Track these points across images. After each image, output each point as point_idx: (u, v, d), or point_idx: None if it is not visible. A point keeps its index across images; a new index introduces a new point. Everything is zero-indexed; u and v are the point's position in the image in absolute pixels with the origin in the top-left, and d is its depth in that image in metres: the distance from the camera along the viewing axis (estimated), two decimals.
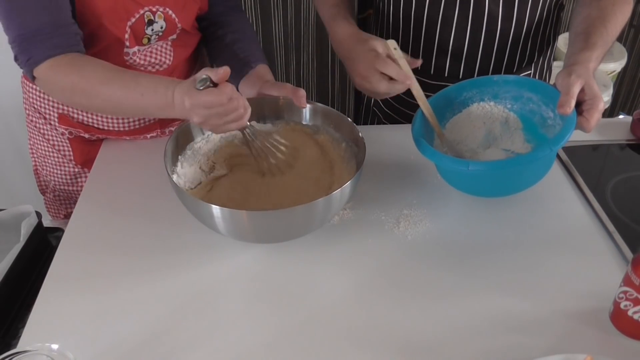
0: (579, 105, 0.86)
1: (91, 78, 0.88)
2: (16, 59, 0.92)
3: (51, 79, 0.90)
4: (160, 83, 0.86)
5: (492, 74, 1.15)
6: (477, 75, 1.14)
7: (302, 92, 0.95)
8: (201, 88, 0.80)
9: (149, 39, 1.02)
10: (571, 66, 0.88)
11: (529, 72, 1.18)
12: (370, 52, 0.94)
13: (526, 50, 1.14)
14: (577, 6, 1.03)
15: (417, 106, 0.98)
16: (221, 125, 0.84)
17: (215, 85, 0.81)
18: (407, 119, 1.20)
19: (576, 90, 0.84)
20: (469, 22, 1.09)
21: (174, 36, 1.06)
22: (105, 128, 1.13)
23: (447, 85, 1.03)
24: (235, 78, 1.05)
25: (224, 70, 0.81)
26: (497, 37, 1.10)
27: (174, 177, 0.91)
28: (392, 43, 0.94)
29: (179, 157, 0.95)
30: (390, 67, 0.93)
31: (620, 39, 2.37)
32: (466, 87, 1.00)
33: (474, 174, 0.88)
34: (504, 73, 1.15)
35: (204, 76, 0.80)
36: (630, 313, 0.75)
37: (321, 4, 1.10)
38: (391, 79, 0.94)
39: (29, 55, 0.89)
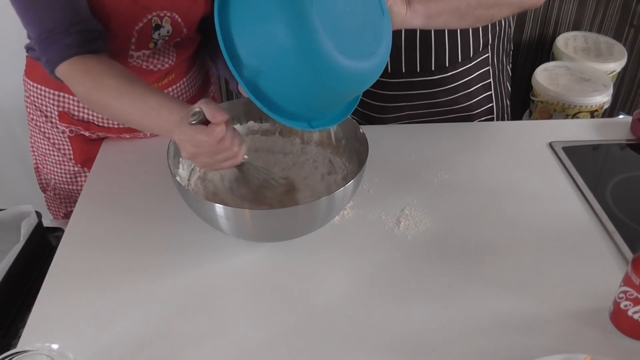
0: None
1: (105, 90, 0.86)
2: (39, 60, 0.92)
3: (70, 82, 0.90)
4: (164, 106, 0.82)
5: (448, 62, 1.17)
6: (435, 66, 1.16)
7: None
8: (193, 122, 0.74)
9: (156, 43, 1.02)
10: None
11: (487, 54, 1.20)
12: None
13: (478, 36, 1.17)
14: None
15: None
16: (211, 164, 0.80)
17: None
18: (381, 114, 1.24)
19: None
20: None
21: (178, 39, 1.06)
22: (105, 125, 1.13)
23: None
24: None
25: (221, 116, 0.74)
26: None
27: (177, 178, 0.91)
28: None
29: (181, 157, 0.94)
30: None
31: (620, 39, 2.36)
32: None
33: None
34: (461, 59, 1.17)
35: (197, 110, 0.74)
36: (630, 313, 0.75)
37: None
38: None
39: (47, 56, 0.88)
